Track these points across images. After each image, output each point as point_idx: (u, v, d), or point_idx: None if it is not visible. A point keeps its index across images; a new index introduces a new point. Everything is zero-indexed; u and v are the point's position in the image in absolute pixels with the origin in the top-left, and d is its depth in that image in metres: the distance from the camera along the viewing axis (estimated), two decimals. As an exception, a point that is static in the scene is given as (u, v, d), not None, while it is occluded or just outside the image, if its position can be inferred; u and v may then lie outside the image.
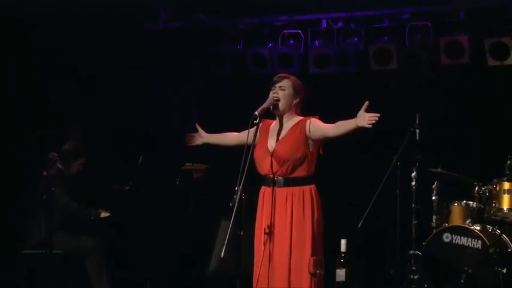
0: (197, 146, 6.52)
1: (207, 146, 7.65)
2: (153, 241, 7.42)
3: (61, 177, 7.16)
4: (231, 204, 5.27)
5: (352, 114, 6.29)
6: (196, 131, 5.93)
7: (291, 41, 8.05)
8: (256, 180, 5.62)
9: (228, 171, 5.66)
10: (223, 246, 5.38)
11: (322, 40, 7.96)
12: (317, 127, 5.46)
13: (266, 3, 8.01)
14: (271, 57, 8.00)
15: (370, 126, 5.25)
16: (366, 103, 5.27)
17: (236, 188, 5.22)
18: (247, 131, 5.54)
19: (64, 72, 8.10)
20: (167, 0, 8.40)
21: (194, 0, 8.31)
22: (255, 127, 5.44)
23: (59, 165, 7.14)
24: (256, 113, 5.38)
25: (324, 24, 7.99)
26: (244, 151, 5.31)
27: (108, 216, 7.39)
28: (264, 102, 5.45)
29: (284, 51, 8.04)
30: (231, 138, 5.89)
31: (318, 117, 5.54)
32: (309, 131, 5.45)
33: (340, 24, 7.93)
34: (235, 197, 5.25)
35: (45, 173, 6.70)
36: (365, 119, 5.26)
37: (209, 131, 7.71)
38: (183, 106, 8.46)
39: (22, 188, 7.33)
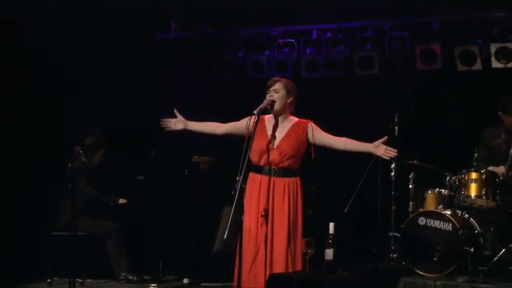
0: (192, 136, 6.49)
1: (212, 141, 7.66)
2: (164, 224, 7.38)
3: (84, 168, 7.14)
4: (232, 192, 5.23)
5: (339, 113, 6.35)
6: (175, 116, 5.88)
7: (286, 49, 8.03)
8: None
9: (230, 163, 5.57)
10: (226, 229, 5.38)
11: (312, 48, 7.95)
12: (322, 136, 5.51)
13: (263, 16, 8.00)
14: (268, 64, 8.01)
15: (388, 158, 5.39)
16: (385, 138, 5.38)
17: (237, 178, 5.20)
18: (236, 122, 5.60)
19: (91, 78, 8.05)
20: (177, 13, 8.29)
21: (200, 13, 8.25)
22: (255, 124, 5.38)
23: (82, 157, 7.08)
24: (255, 111, 5.35)
25: (315, 35, 7.99)
26: (244, 145, 5.24)
27: (125, 202, 7.37)
28: (261, 103, 5.40)
29: (279, 58, 8.04)
30: (220, 128, 5.82)
31: (313, 121, 5.55)
32: (312, 136, 5.48)
33: (328, 34, 7.94)
34: (236, 186, 5.22)
35: (70, 165, 6.62)
36: (383, 150, 5.40)
37: (219, 138, 7.85)
38: (190, 106, 8.46)
39: (50, 178, 7.30)
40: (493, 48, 7.18)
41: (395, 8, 7.55)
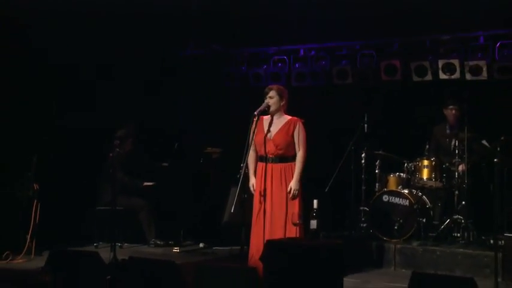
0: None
1: (221, 136, 7.74)
2: (184, 201, 7.41)
3: (119, 158, 7.02)
4: (238, 176, 5.33)
5: (321, 113, 6.33)
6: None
7: (279, 64, 8.03)
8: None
9: (235, 153, 5.66)
10: (232, 205, 5.56)
11: (300, 63, 7.93)
12: (298, 136, 5.43)
13: (262, 38, 8.05)
14: (266, 75, 8.01)
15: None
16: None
17: (241, 165, 5.30)
18: (253, 139, 5.48)
19: (126, 84, 7.94)
20: (194, 34, 8.33)
21: (212, 35, 8.25)
22: (255, 122, 5.41)
23: (117, 149, 7.03)
24: (256, 113, 5.41)
25: (302, 52, 7.97)
26: (247, 138, 5.33)
27: (152, 184, 7.37)
28: (260, 106, 5.44)
29: (274, 70, 8.02)
30: (254, 153, 5.60)
31: (303, 121, 5.50)
32: (294, 132, 5.43)
33: (313, 52, 7.91)
34: (240, 171, 5.33)
35: (110, 155, 6.65)
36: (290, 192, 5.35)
37: (219, 126, 7.87)
38: (204, 109, 8.46)
39: (97, 165, 7.33)
40: (440, 63, 7.16)
41: (365, 32, 7.59)
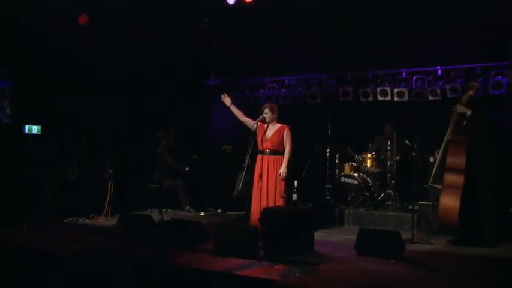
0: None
1: (233, 137, 7.63)
2: (208, 181, 7.42)
3: (165, 150, 7.06)
4: (243, 165, 5.36)
5: (300, 123, 6.31)
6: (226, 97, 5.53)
7: (271, 89, 7.91)
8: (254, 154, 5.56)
9: (242, 149, 5.56)
10: (240, 184, 5.70)
11: (285, 89, 7.82)
12: (285, 137, 5.41)
13: (260, 72, 7.96)
14: (262, 97, 7.85)
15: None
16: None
17: (246, 157, 5.31)
18: (250, 120, 5.48)
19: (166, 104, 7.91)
20: (215, 70, 8.26)
21: (226, 69, 8.17)
22: (256, 127, 5.43)
23: (163, 144, 7.08)
24: (255, 121, 5.45)
25: (287, 81, 7.84)
26: (250, 138, 5.33)
27: (188, 170, 7.35)
28: (259, 116, 5.45)
29: (268, 94, 7.88)
30: (242, 116, 5.53)
31: (290, 127, 5.46)
32: (284, 135, 5.43)
33: (294, 81, 7.80)
34: (245, 161, 5.32)
35: (158, 150, 6.72)
36: (281, 176, 5.25)
37: (231, 131, 7.77)
38: (222, 121, 8.31)
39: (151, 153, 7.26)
40: (378, 89, 7.11)
41: (328, 69, 7.51)
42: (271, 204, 5.26)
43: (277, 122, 5.52)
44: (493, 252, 4.79)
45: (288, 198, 5.42)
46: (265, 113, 5.47)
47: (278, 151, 5.43)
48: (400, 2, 6.18)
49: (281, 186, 5.36)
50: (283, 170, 5.34)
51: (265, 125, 5.50)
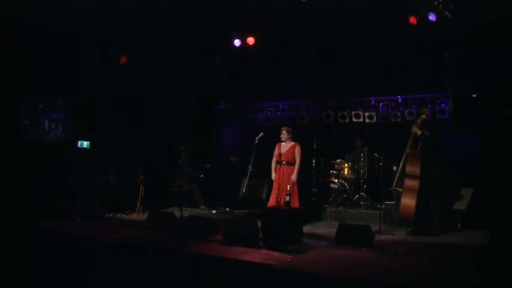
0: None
1: (239, 150, 7.51)
2: (218, 185, 7.31)
3: (185, 161, 6.87)
4: (246, 172, 5.50)
5: (292, 138, 6.46)
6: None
7: (269, 112, 7.82)
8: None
9: (246, 160, 5.62)
10: (244, 188, 5.70)
11: (280, 112, 7.74)
12: (297, 152, 5.55)
13: (259, 98, 7.92)
14: (261, 119, 7.78)
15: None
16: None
17: (249, 166, 5.42)
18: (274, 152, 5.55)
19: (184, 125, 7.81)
20: (224, 96, 8.21)
21: (233, 96, 8.11)
22: (259, 141, 5.44)
23: (183, 156, 7.07)
24: (256, 138, 5.43)
25: (281, 106, 7.75)
26: (252, 151, 5.33)
27: (202, 176, 7.17)
28: (259, 135, 5.46)
29: (266, 116, 7.79)
30: (273, 161, 5.61)
31: (300, 145, 5.57)
32: (295, 150, 5.58)
33: (286, 106, 7.72)
34: (248, 170, 5.46)
35: (179, 161, 6.72)
36: (292, 181, 5.37)
37: (236, 145, 7.63)
38: (232, 141, 8.25)
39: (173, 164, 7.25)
40: (353, 113, 7.07)
41: (314, 97, 7.41)
42: (283, 198, 5.42)
43: (292, 140, 5.67)
44: (439, 240, 4.96)
45: (298, 194, 5.48)
46: (283, 134, 5.66)
47: (291, 162, 5.60)
48: (371, 46, 6.44)
49: (293, 186, 5.52)
50: (294, 176, 5.55)
51: (282, 143, 5.69)
